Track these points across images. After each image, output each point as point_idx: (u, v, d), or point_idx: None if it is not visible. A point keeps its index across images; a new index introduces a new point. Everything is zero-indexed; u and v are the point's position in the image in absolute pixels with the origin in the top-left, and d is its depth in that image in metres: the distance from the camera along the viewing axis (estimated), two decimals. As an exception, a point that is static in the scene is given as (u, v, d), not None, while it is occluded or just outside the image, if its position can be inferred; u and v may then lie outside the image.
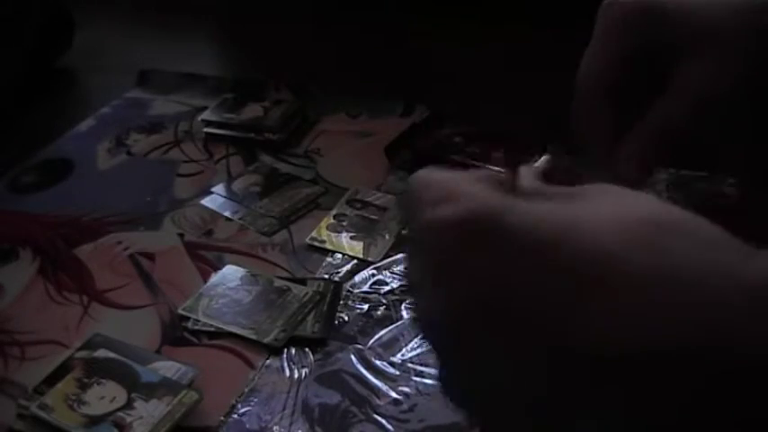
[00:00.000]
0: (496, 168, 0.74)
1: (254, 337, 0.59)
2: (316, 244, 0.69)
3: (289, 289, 0.63)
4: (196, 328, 0.61)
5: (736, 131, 0.42)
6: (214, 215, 0.73)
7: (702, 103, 0.40)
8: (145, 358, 0.57)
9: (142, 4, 1.16)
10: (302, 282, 0.64)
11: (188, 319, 0.61)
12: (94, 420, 0.52)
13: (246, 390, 0.56)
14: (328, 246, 0.68)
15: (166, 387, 0.54)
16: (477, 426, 0.43)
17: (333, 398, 0.55)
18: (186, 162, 0.81)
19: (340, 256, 0.67)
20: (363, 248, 0.67)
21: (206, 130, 0.85)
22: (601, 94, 0.42)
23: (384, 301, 0.63)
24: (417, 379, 0.55)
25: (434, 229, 0.30)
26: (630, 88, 0.41)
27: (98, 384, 0.55)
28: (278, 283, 0.64)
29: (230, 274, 0.65)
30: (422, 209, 0.31)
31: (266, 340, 0.59)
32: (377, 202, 0.73)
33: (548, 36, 0.97)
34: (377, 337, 0.59)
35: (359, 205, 0.73)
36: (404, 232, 0.66)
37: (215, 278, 0.65)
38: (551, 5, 0.99)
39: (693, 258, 0.28)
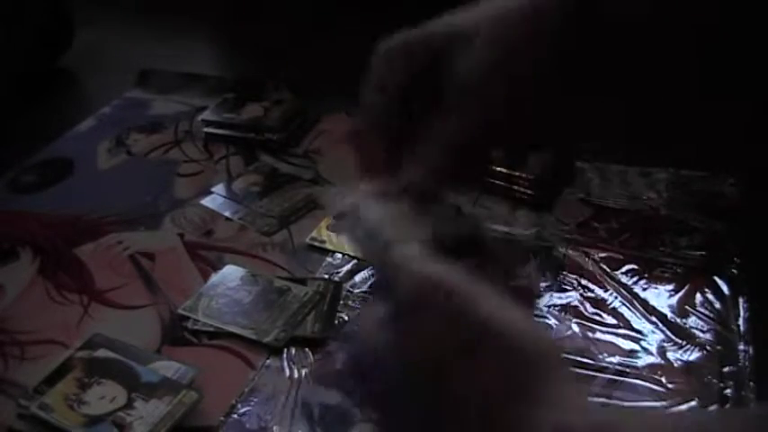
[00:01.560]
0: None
1: (254, 337, 0.59)
2: (316, 244, 0.69)
3: (289, 289, 0.63)
4: (196, 328, 0.61)
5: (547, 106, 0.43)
6: (214, 215, 0.73)
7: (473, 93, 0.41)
8: (145, 358, 0.57)
9: (142, 4, 1.16)
10: (302, 282, 0.64)
11: (188, 318, 0.61)
12: (94, 420, 0.52)
13: (246, 390, 0.56)
14: (328, 246, 0.68)
15: (166, 387, 0.54)
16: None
17: (333, 398, 0.55)
18: (186, 162, 0.81)
19: (340, 256, 0.67)
20: (363, 248, 0.67)
21: (206, 130, 0.85)
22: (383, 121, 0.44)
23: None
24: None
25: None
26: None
27: (98, 384, 0.55)
28: (278, 283, 0.64)
29: (230, 274, 0.65)
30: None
31: (266, 340, 0.59)
32: (377, 202, 0.72)
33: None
34: (377, 337, 0.59)
35: (359, 205, 0.73)
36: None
37: (215, 278, 0.65)
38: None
39: None
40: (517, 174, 0.72)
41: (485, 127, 0.41)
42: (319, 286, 0.64)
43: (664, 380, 0.55)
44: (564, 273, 0.64)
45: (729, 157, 0.73)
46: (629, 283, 0.63)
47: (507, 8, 0.41)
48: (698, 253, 0.65)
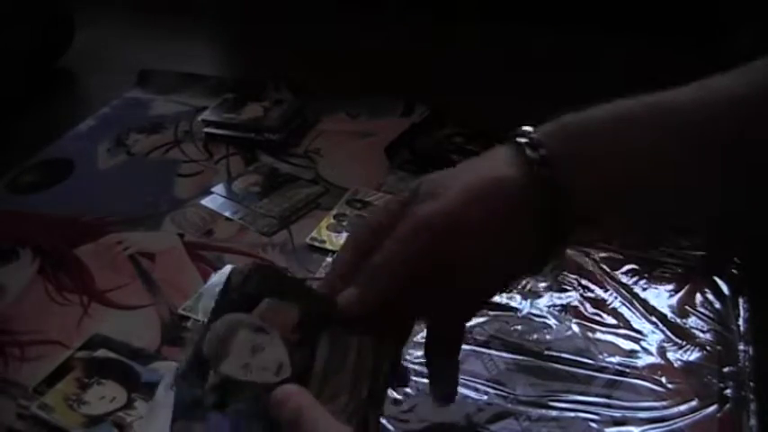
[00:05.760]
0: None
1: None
2: (316, 244, 0.69)
3: None
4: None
5: None
6: (214, 215, 0.73)
7: None
8: (145, 358, 0.57)
9: (142, 4, 1.16)
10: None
11: (188, 318, 0.61)
12: (94, 420, 0.52)
13: (246, 390, 0.56)
14: (328, 246, 0.68)
15: (166, 387, 0.54)
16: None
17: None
18: (186, 162, 0.81)
19: (340, 256, 0.67)
20: (363, 248, 0.67)
21: (206, 130, 0.85)
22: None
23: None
24: (417, 379, 0.55)
25: None
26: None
27: (98, 384, 0.55)
28: None
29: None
30: None
31: None
32: (377, 202, 0.73)
33: (548, 36, 0.97)
34: (377, 337, 0.59)
35: (359, 205, 0.73)
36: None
37: (215, 278, 0.65)
38: (551, 5, 0.99)
39: None
40: None
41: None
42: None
43: (664, 380, 0.55)
44: (564, 273, 0.64)
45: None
46: (629, 283, 0.63)
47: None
48: (698, 253, 0.65)
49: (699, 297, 0.61)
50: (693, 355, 0.57)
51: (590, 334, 0.59)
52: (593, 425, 0.52)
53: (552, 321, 0.60)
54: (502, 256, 0.45)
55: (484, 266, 0.46)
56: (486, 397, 0.54)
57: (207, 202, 0.75)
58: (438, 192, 0.45)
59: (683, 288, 0.62)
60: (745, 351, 0.57)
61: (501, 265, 0.46)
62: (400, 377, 0.50)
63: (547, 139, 0.44)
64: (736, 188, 0.44)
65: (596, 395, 0.54)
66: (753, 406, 0.53)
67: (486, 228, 0.44)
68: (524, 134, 0.45)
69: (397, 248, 0.45)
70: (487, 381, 0.55)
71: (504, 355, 0.57)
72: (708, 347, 0.57)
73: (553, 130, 0.45)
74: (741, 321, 0.59)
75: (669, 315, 0.60)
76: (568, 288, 0.63)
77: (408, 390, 0.55)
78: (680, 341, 0.58)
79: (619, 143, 0.43)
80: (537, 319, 0.60)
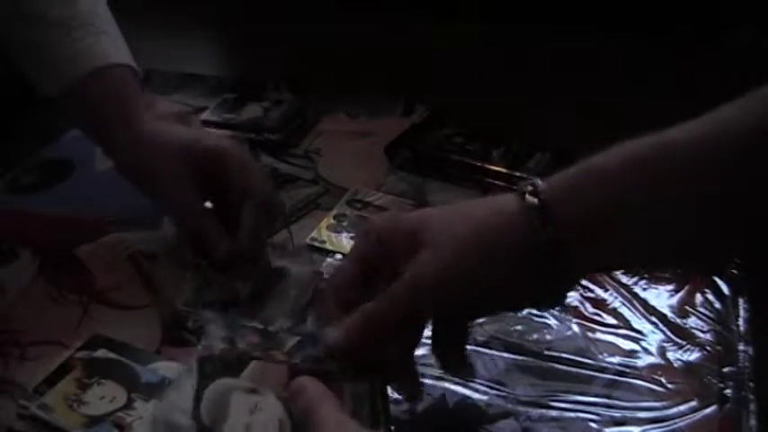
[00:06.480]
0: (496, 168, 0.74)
1: (261, 326, 0.59)
2: (316, 244, 0.69)
3: (287, 271, 0.64)
4: (197, 326, 0.60)
5: None
6: (214, 215, 0.73)
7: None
8: (145, 358, 0.57)
9: (142, 4, 1.16)
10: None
11: (187, 318, 0.61)
12: (94, 420, 0.52)
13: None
14: (328, 246, 0.68)
15: (166, 387, 0.54)
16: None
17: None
18: (186, 162, 0.81)
19: (340, 256, 0.67)
20: (363, 248, 0.67)
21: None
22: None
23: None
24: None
25: None
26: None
27: (98, 384, 0.55)
28: (273, 264, 0.64)
29: None
30: None
31: (272, 328, 0.59)
32: (377, 203, 0.73)
33: (548, 36, 0.97)
34: (377, 337, 0.59)
35: (359, 205, 0.73)
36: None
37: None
38: (551, 5, 0.99)
39: None
40: (517, 174, 0.72)
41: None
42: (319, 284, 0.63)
43: (664, 380, 0.55)
44: (564, 273, 0.64)
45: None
46: (629, 283, 0.63)
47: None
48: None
49: (699, 297, 0.61)
50: (693, 355, 0.57)
51: (590, 334, 0.59)
52: (593, 425, 0.52)
53: (552, 321, 0.60)
54: (502, 301, 0.47)
55: (484, 309, 0.49)
56: (486, 397, 0.54)
57: (207, 202, 0.75)
58: (433, 241, 0.46)
59: (683, 288, 0.62)
60: (745, 351, 0.57)
61: (503, 307, 0.49)
62: (412, 391, 0.51)
63: (549, 188, 0.44)
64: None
65: (596, 395, 0.54)
66: (753, 406, 0.53)
67: (483, 277, 0.45)
68: (528, 183, 0.45)
69: (390, 308, 0.46)
70: (487, 381, 0.55)
71: (504, 355, 0.57)
72: (708, 347, 0.57)
73: (557, 181, 0.45)
74: (741, 321, 0.59)
75: (669, 315, 0.60)
76: (568, 288, 0.63)
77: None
78: (680, 341, 0.58)
79: (621, 188, 0.43)
80: (537, 319, 0.60)
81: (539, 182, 0.45)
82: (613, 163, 0.43)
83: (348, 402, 0.44)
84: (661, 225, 0.43)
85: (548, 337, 0.59)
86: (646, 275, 0.63)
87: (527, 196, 0.44)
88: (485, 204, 0.47)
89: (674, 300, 0.61)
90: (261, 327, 0.58)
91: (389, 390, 0.48)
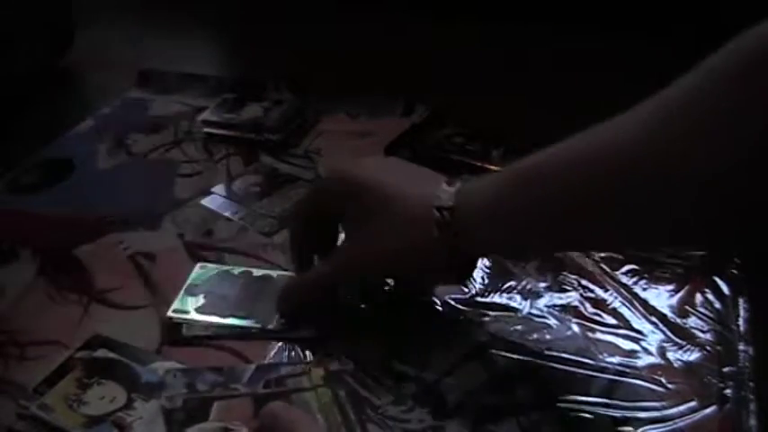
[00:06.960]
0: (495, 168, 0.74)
1: (258, 325, 0.59)
2: (316, 244, 0.68)
3: (270, 277, 0.64)
4: (192, 334, 0.60)
5: None
6: (214, 215, 0.73)
7: None
8: (145, 358, 0.57)
9: (143, 4, 1.16)
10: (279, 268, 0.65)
11: (181, 325, 0.61)
12: (94, 420, 0.52)
13: (246, 390, 0.56)
14: (328, 246, 0.68)
15: (166, 387, 0.54)
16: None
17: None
18: (186, 162, 0.81)
19: (340, 256, 0.67)
20: (363, 248, 0.67)
21: (206, 130, 0.85)
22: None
23: (384, 301, 0.63)
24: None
25: None
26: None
27: (98, 384, 0.55)
28: (257, 273, 0.64)
29: (203, 273, 0.65)
30: None
31: (270, 326, 0.59)
32: (377, 202, 0.72)
33: (548, 36, 0.97)
34: (377, 337, 0.59)
35: (359, 205, 0.72)
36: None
37: (192, 278, 0.64)
38: (551, 5, 0.99)
39: None
40: None
41: None
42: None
43: (664, 380, 0.55)
44: (564, 273, 0.64)
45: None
46: (629, 283, 0.63)
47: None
48: (698, 253, 0.65)
49: (699, 297, 0.61)
50: (693, 355, 0.57)
51: (590, 334, 0.59)
52: (593, 425, 0.52)
53: (552, 321, 0.60)
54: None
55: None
56: (486, 397, 0.54)
57: (207, 202, 0.75)
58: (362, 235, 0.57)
59: (683, 288, 0.62)
60: (745, 351, 0.57)
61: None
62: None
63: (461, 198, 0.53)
64: None
65: (596, 395, 0.54)
66: (753, 406, 0.53)
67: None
68: (441, 196, 0.54)
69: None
70: (487, 381, 0.55)
71: (505, 354, 0.57)
72: (708, 347, 0.57)
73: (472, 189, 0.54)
74: (741, 321, 0.59)
75: (669, 315, 0.60)
76: (568, 288, 0.63)
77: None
78: (680, 341, 0.58)
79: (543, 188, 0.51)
80: (537, 319, 0.60)
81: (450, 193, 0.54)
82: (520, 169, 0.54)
83: (317, 414, 0.45)
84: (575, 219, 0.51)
85: (548, 337, 0.59)
86: (646, 275, 0.63)
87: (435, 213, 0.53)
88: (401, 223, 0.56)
89: (674, 300, 0.61)
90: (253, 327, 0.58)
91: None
